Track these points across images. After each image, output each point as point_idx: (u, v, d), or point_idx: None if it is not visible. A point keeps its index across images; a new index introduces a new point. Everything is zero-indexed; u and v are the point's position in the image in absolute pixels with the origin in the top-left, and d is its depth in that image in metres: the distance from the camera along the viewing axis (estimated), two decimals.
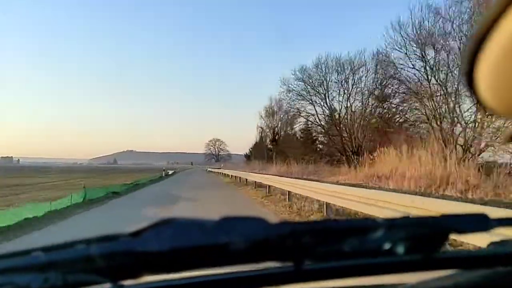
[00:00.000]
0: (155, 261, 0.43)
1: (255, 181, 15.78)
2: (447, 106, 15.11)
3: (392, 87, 21.42)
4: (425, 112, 16.40)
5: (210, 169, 51.81)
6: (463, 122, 14.57)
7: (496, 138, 12.55)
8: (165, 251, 0.43)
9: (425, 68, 16.60)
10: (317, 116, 28.56)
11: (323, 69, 26.76)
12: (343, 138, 25.13)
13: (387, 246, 0.48)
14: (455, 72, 14.93)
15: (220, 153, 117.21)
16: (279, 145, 40.33)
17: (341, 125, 25.76)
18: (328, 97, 26.71)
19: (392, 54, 19.10)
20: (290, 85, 28.75)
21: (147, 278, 0.46)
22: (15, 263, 0.44)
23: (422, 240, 0.51)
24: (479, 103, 0.44)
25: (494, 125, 12.75)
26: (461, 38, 14.49)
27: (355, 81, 25.79)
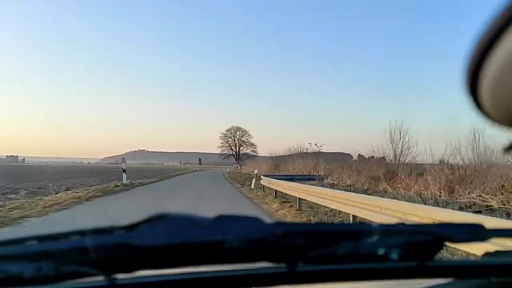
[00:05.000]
0: (149, 255, 0.43)
1: None
2: None
3: None
4: None
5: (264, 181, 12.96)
6: None
7: None
8: (160, 246, 0.43)
9: None
10: None
11: None
12: None
13: (381, 251, 0.48)
14: None
15: (241, 148, 70.47)
16: None
17: None
18: None
19: None
20: None
21: (140, 272, 0.46)
22: (8, 251, 0.44)
23: (417, 247, 0.51)
24: (480, 113, 0.44)
25: None
26: None
27: None
